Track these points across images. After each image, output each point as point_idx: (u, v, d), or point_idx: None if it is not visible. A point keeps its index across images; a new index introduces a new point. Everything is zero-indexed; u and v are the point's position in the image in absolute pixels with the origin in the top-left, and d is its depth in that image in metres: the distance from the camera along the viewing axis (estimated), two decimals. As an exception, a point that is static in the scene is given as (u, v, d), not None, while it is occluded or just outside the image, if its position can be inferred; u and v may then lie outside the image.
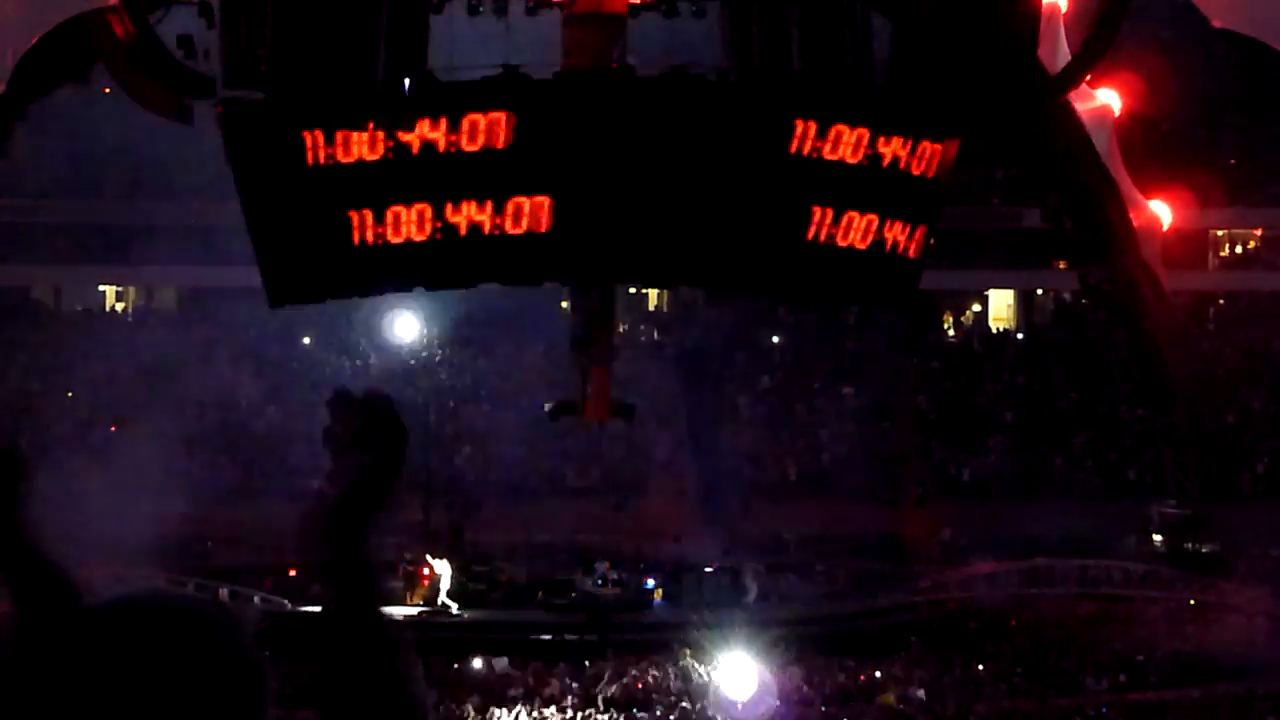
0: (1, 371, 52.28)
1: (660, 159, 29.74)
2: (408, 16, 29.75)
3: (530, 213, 30.00)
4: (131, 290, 59.06)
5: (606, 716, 33.76)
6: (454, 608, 39.47)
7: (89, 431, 46.66)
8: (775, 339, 55.40)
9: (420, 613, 40.08)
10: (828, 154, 30.01)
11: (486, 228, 30.02)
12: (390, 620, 2.95)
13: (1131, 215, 46.31)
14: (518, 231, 30.06)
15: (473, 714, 33.49)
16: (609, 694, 34.68)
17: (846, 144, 30.05)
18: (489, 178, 29.79)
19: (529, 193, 29.93)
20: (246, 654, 2.51)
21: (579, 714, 33.80)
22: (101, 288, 59.09)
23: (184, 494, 39.70)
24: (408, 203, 30.07)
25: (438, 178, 29.75)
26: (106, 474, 39.12)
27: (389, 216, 30.12)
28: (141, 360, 49.05)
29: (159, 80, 33.47)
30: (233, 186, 31.50)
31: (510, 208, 29.94)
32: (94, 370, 48.94)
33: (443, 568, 39.79)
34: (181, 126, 35.59)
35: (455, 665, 36.27)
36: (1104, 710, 33.35)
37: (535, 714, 33.66)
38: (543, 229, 30.01)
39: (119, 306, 59.21)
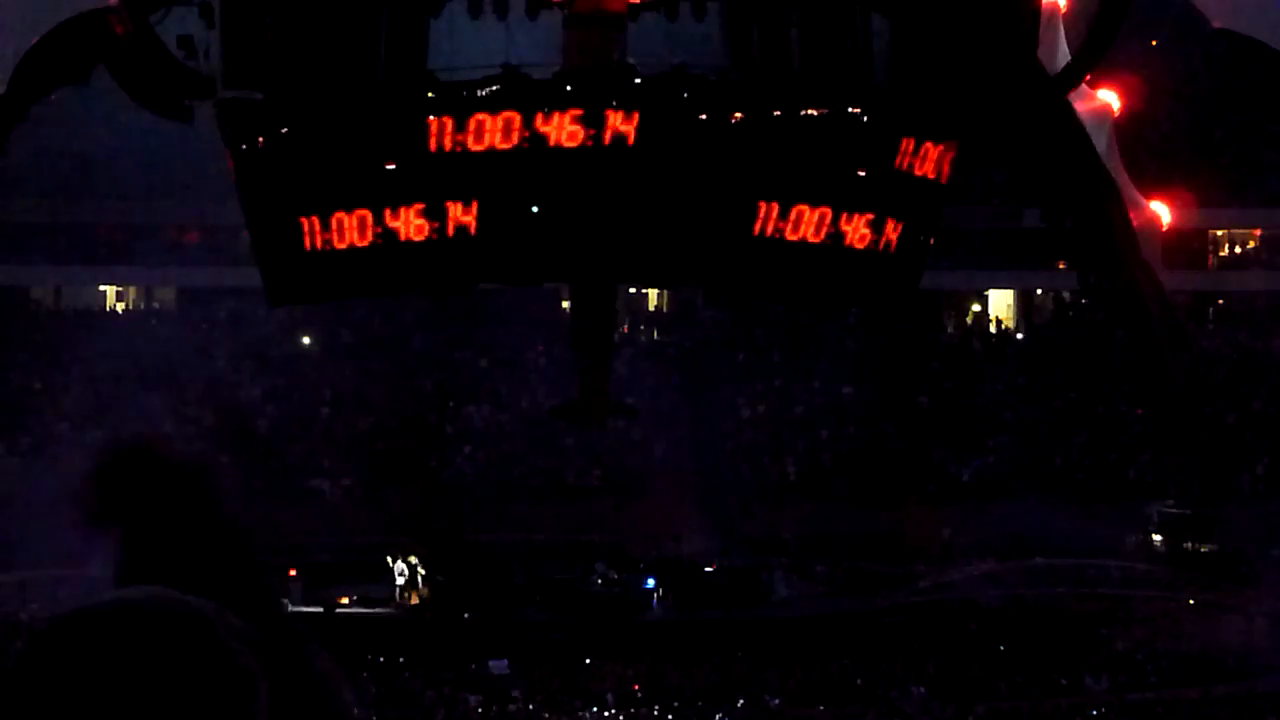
0: (1, 372, 52.27)
1: (654, 161, 29.76)
2: (407, 17, 29.77)
3: (532, 214, 30.01)
4: (131, 290, 59.05)
5: (607, 714, 33.77)
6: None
7: (89, 431, 46.59)
8: (775, 338, 55.35)
9: (421, 613, 40.12)
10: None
11: (476, 229, 30.05)
12: (288, 617, 2.96)
13: (1131, 215, 46.30)
14: (516, 233, 30.07)
15: (475, 713, 33.50)
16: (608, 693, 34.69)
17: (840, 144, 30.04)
18: (481, 180, 29.80)
19: (531, 194, 29.94)
20: (237, 661, 2.50)
21: (580, 713, 33.80)
22: (101, 288, 59.08)
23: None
24: (407, 204, 30.11)
25: (425, 179, 29.79)
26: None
27: (385, 218, 30.16)
28: (141, 359, 49.05)
29: (159, 80, 33.49)
30: (232, 186, 31.56)
31: (513, 209, 29.95)
32: (94, 369, 48.91)
33: (400, 566, 39.90)
34: (181, 126, 35.64)
35: (457, 665, 36.28)
36: (1104, 710, 33.35)
37: (536, 714, 33.67)
38: (546, 228, 30.02)
39: (119, 306, 59.20)
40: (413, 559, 39.88)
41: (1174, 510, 46.40)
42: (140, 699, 2.41)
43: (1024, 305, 60.18)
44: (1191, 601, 42.45)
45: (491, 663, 36.21)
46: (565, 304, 47.13)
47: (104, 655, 2.44)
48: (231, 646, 2.49)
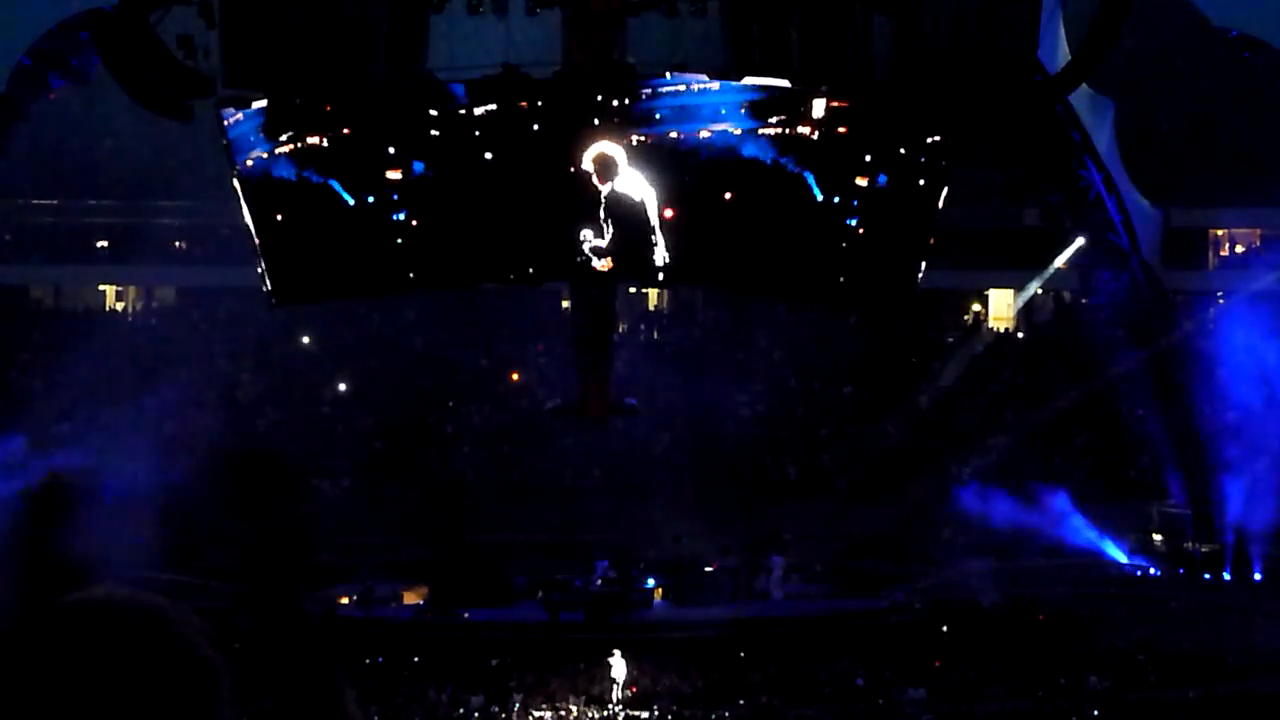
0: (1, 372, 52.27)
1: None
2: (408, 16, 29.74)
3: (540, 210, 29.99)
4: (131, 290, 59.06)
5: (606, 714, 33.76)
6: None
7: (87, 431, 46.62)
8: (775, 338, 55.35)
9: (421, 612, 40.15)
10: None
11: (476, 228, 30.05)
12: (314, 646, 3.03)
13: (1131, 215, 46.36)
14: (516, 232, 30.06)
15: (475, 713, 33.50)
16: (609, 693, 34.69)
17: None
18: (481, 177, 29.79)
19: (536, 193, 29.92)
20: (198, 653, 2.50)
21: (580, 714, 33.79)
22: (101, 288, 59.08)
23: (180, 493, 39.68)
24: (408, 203, 30.10)
25: (426, 177, 29.78)
26: (105, 472, 39.12)
27: (386, 217, 30.15)
28: (141, 359, 49.06)
29: (159, 80, 33.49)
30: (232, 186, 31.56)
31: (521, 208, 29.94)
32: (94, 369, 48.88)
33: None
34: (181, 126, 35.64)
35: (458, 665, 36.28)
36: (1104, 710, 33.33)
37: (536, 713, 33.66)
38: (547, 227, 30.01)
39: (119, 306, 59.20)
40: None
41: (1174, 510, 46.43)
42: (104, 691, 2.41)
43: (1024, 305, 60.15)
44: (1191, 601, 42.46)
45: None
46: (565, 304, 47.12)
47: (67, 653, 2.44)
48: (190, 639, 2.50)
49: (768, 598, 41.59)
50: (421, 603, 40.81)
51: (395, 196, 29.97)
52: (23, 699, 2.41)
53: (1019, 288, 58.07)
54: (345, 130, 29.76)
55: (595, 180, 29.64)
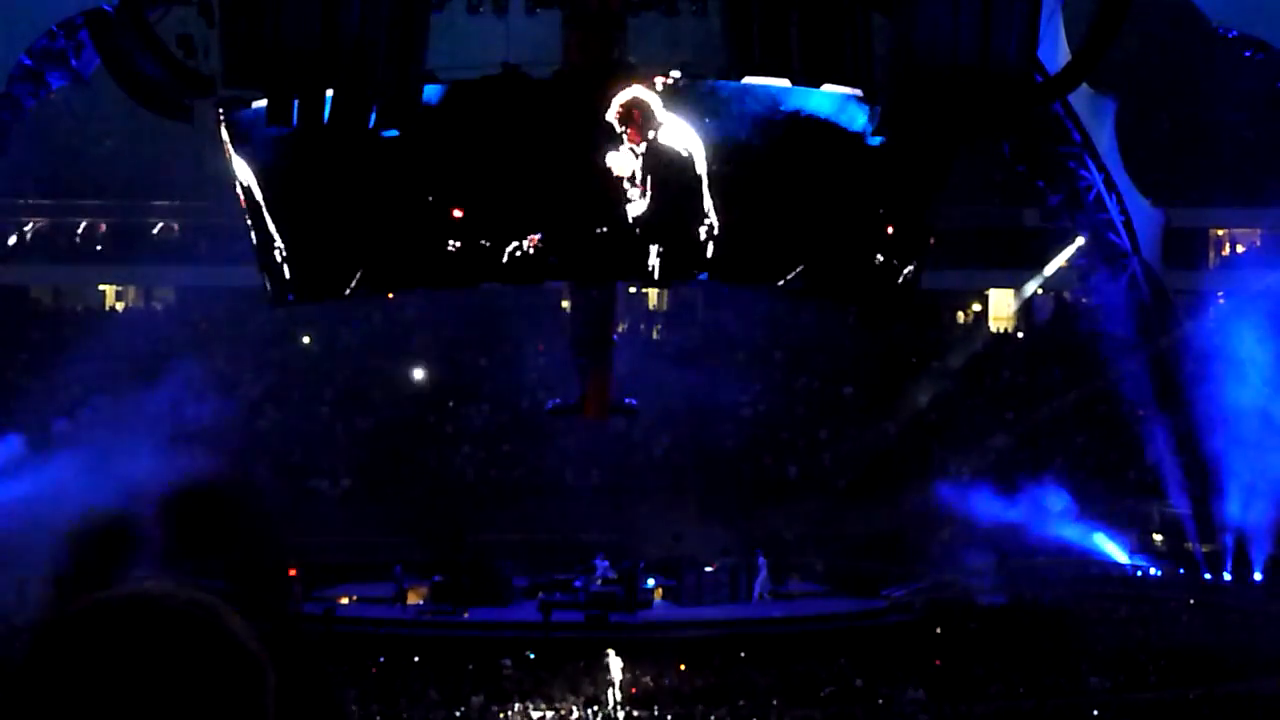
0: (1, 372, 52.24)
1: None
2: (408, 16, 29.73)
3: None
4: (131, 290, 59.04)
5: (605, 714, 33.75)
6: None
7: (86, 430, 46.61)
8: (775, 338, 55.33)
9: (421, 612, 40.14)
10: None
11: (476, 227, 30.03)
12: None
13: (1131, 215, 46.36)
14: (516, 232, 30.04)
15: (475, 713, 33.50)
16: (609, 694, 34.69)
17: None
18: (481, 177, 29.79)
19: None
20: (246, 647, 2.51)
21: (579, 714, 33.78)
22: (101, 288, 59.07)
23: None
24: (408, 202, 30.09)
25: (426, 176, 29.78)
26: (105, 472, 39.10)
27: (386, 215, 30.14)
28: (141, 359, 49.03)
29: (159, 80, 33.51)
30: (232, 186, 31.57)
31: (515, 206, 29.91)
32: (94, 369, 48.87)
33: None
34: (181, 126, 35.67)
35: (458, 665, 36.27)
36: (1104, 710, 33.33)
37: (535, 713, 33.65)
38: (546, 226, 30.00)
39: (119, 306, 59.19)
40: None
41: (1174, 510, 46.43)
42: (152, 686, 2.42)
43: (1024, 305, 60.15)
44: (1191, 601, 42.45)
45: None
46: (565, 304, 47.11)
47: (116, 645, 2.44)
48: (238, 634, 2.50)
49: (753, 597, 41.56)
50: (421, 603, 40.80)
51: (395, 193, 29.97)
52: (70, 690, 2.42)
53: (1019, 288, 58.09)
54: (345, 128, 29.72)
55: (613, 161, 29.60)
